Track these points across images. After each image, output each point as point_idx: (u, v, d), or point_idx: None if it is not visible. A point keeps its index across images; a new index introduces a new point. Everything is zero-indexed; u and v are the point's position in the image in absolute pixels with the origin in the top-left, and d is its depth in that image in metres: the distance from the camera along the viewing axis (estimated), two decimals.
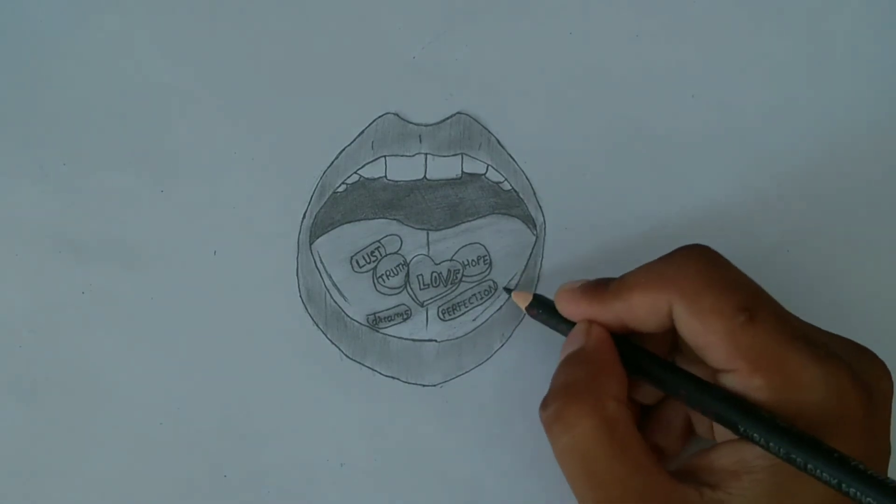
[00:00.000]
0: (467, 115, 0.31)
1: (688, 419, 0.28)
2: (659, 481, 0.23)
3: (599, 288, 0.26)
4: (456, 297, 0.30)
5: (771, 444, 0.22)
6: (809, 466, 0.21)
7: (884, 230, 0.31)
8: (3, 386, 0.29)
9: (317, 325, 0.30)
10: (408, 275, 0.30)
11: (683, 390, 0.24)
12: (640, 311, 0.24)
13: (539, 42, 0.31)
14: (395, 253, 0.30)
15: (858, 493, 0.20)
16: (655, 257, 0.26)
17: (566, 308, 0.27)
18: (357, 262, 0.30)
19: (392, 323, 0.30)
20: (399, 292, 0.30)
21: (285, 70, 0.30)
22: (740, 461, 0.23)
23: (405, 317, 0.30)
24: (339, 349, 0.30)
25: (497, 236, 0.31)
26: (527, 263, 0.31)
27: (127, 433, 0.29)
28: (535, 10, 0.31)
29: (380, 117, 0.30)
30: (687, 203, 0.31)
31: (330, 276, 0.30)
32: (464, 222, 0.31)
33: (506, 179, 0.31)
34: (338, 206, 0.30)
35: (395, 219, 0.30)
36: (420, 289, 0.30)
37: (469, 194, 0.31)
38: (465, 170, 0.31)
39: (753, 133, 0.32)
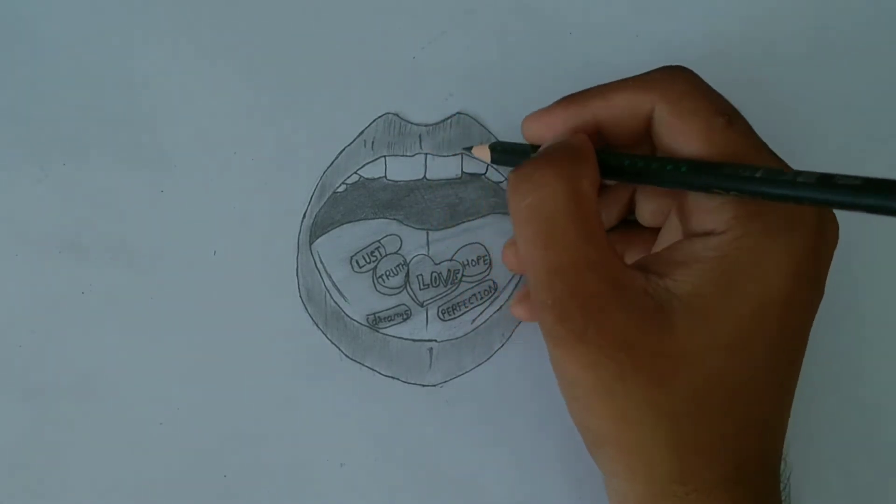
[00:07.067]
0: (467, 115, 0.31)
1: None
2: (611, 258, 0.23)
3: (577, 94, 0.26)
4: (456, 297, 0.30)
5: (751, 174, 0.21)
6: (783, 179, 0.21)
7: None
8: (3, 386, 0.29)
9: (317, 325, 0.30)
10: (408, 275, 0.30)
11: (682, 167, 0.23)
12: (620, 110, 0.25)
13: (539, 42, 0.31)
14: (395, 253, 0.30)
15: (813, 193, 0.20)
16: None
17: (538, 121, 0.26)
18: (357, 262, 0.30)
19: (392, 323, 0.30)
20: (399, 292, 0.30)
21: (285, 70, 0.30)
22: (691, 253, 0.23)
23: (405, 317, 0.30)
24: (339, 349, 0.30)
25: (497, 236, 0.31)
26: None
27: (127, 433, 0.29)
28: (535, 10, 0.31)
29: (380, 117, 0.30)
30: None
31: (330, 276, 0.30)
32: (464, 222, 0.31)
33: (506, 179, 0.31)
34: (338, 206, 0.30)
35: (395, 219, 0.30)
36: (420, 289, 0.30)
37: (469, 194, 0.31)
38: (465, 170, 0.31)
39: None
